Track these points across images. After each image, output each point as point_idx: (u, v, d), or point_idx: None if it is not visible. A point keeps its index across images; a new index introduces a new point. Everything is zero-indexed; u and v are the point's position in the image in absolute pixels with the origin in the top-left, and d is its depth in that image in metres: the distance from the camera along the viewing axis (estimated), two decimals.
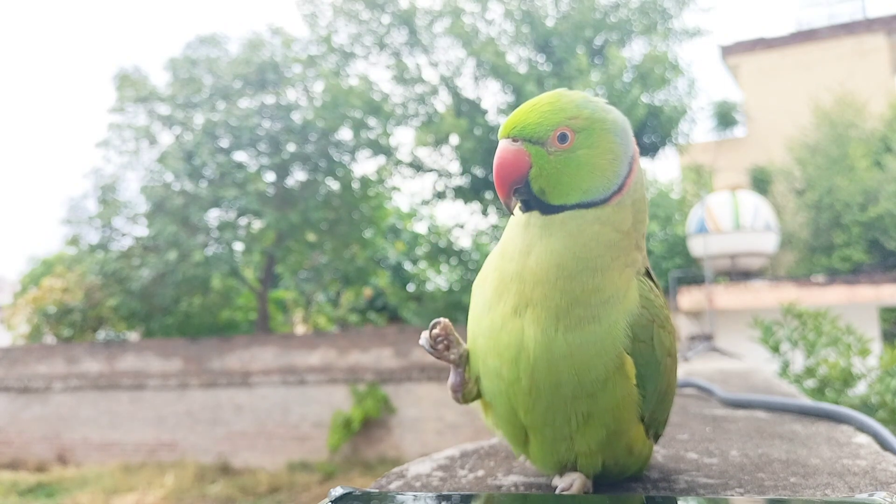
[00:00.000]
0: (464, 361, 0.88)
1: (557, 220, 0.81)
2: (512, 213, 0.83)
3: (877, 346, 7.22)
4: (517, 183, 0.80)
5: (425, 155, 16.21)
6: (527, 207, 0.83)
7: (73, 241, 16.22)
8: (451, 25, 14.69)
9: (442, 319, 0.87)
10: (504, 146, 0.81)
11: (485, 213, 16.30)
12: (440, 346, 0.87)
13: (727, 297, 9.82)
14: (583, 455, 0.83)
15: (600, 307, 0.79)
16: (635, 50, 15.15)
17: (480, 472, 1.01)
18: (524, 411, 0.82)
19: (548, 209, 0.81)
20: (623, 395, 0.80)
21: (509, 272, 0.82)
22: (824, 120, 13.08)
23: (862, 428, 1.26)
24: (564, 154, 0.80)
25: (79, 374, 14.75)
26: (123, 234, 15.98)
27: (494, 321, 0.82)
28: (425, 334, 0.88)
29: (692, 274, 11.24)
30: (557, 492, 0.82)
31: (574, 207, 0.81)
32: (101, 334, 17.09)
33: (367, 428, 12.86)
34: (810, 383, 3.55)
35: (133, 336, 17.79)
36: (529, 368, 0.79)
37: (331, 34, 15.88)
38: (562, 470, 0.86)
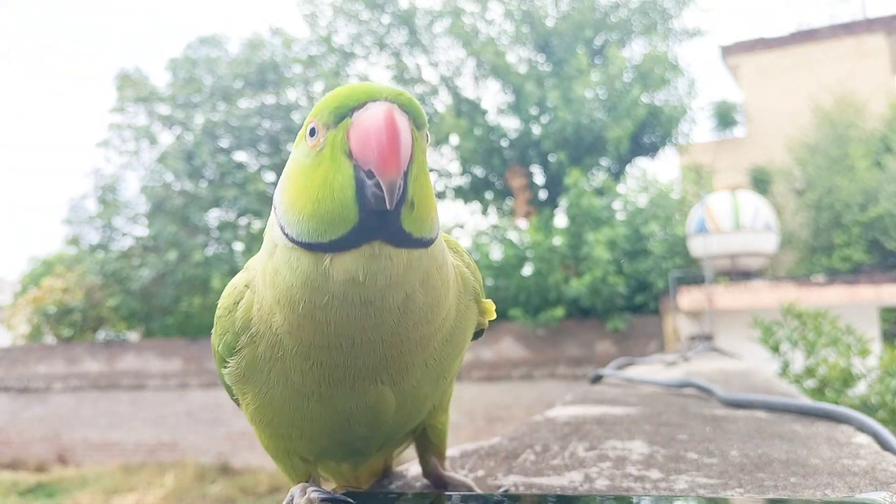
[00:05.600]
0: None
1: (411, 258, 0.57)
2: (390, 208, 0.53)
3: (877, 346, 7.22)
4: (402, 176, 0.53)
5: None
6: (365, 233, 0.55)
7: (74, 241, 16.22)
8: (451, 25, 14.70)
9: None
10: (390, 111, 0.53)
11: (485, 213, 16.30)
12: None
13: (727, 297, 9.82)
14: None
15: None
16: (635, 50, 15.17)
17: (480, 472, 1.01)
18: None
19: (399, 239, 0.56)
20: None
21: (348, 338, 0.61)
22: (824, 120, 13.08)
23: (862, 428, 1.26)
24: (426, 168, 0.57)
25: (79, 374, 14.75)
26: (123, 234, 15.99)
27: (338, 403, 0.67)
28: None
29: (692, 274, 11.22)
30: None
31: (419, 244, 0.58)
32: (101, 334, 17.07)
33: None
34: (810, 383, 3.55)
35: (133, 336, 17.77)
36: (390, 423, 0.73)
37: (331, 34, 15.90)
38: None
